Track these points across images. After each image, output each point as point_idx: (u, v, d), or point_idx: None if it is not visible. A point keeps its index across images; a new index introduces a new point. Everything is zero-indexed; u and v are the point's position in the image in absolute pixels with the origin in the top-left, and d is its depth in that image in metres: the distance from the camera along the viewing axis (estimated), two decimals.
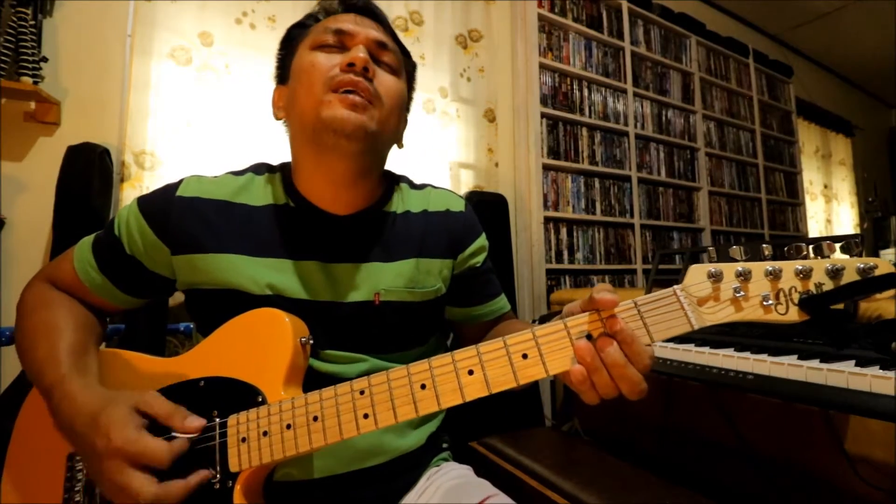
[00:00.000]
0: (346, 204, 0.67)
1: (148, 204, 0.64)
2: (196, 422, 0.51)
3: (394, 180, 0.75)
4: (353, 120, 0.58)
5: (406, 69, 0.71)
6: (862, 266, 0.40)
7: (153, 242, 0.63)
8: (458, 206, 0.77)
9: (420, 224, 0.71)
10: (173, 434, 0.50)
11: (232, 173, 0.69)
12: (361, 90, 0.59)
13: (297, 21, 0.72)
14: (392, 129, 0.66)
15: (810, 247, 0.43)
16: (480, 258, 0.77)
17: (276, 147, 1.67)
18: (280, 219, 0.65)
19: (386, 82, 0.64)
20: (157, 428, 0.50)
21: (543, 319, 1.77)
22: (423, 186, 0.78)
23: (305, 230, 0.65)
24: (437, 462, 0.73)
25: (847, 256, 0.43)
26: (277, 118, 0.70)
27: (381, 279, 0.65)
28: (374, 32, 0.65)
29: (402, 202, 0.72)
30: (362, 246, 0.66)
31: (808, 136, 4.13)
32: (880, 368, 0.67)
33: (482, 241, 0.77)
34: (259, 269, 0.61)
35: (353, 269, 0.65)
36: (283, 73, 0.70)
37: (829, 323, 0.41)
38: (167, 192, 0.64)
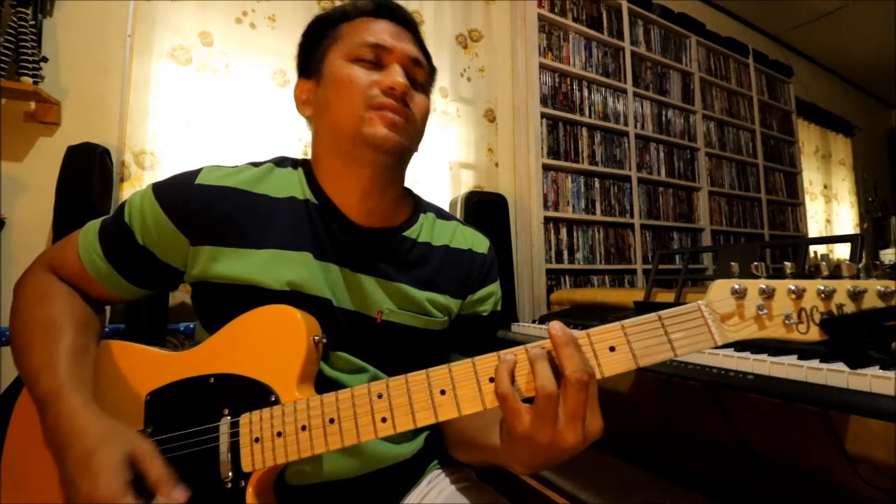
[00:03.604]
0: (368, 213, 0.66)
1: (165, 192, 0.61)
2: (181, 496, 0.48)
3: (422, 208, 0.74)
4: (393, 139, 0.61)
5: (430, 78, 0.71)
6: (882, 289, 0.40)
7: (170, 232, 0.60)
8: (482, 248, 0.75)
9: (438, 258, 0.70)
10: (155, 499, 0.47)
11: (251, 164, 0.68)
12: (399, 114, 0.62)
13: (326, 14, 0.69)
14: (419, 142, 0.69)
15: (829, 265, 0.43)
16: (488, 306, 0.74)
17: (278, 147, 1.68)
18: (302, 213, 0.64)
19: (419, 103, 0.65)
20: (143, 487, 0.48)
21: (543, 319, 1.77)
22: (450, 219, 0.76)
23: (325, 229, 0.64)
24: (437, 465, 0.73)
25: (845, 270, 0.43)
26: (303, 114, 0.69)
27: (386, 299, 0.64)
28: (410, 47, 0.66)
29: (426, 232, 0.71)
30: (376, 261, 0.65)
31: (807, 136, 4.13)
32: (880, 368, 0.67)
33: (494, 288, 0.75)
34: (280, 263, 0.60)
35: (362, 280, 0.64)
36: (307, 66, 0.69)
37: (849, 345, 0.41)
38: (186, 180, 0.62)
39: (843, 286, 0.41)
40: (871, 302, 0.41)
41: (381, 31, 0.64)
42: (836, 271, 0.43)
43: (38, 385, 0.53)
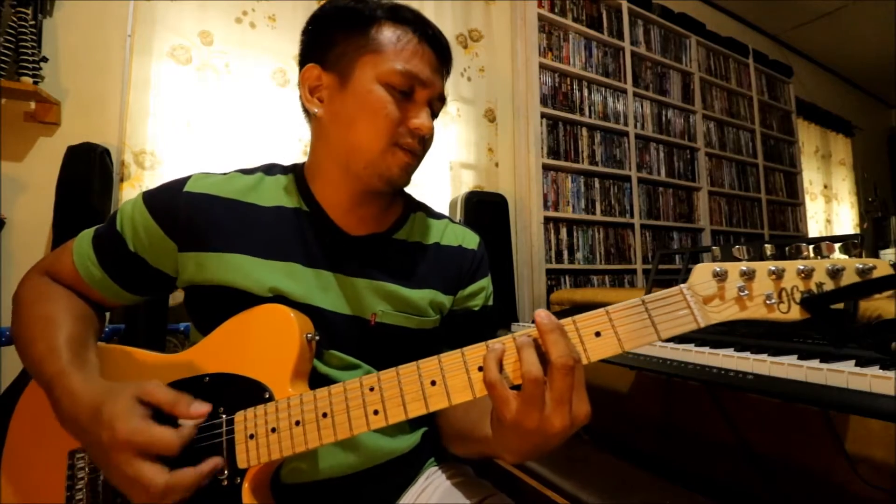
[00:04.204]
0: (359, 219, 0.67)
1: (154, 199, 0.63)
2: (202, 407, 0.50)
3: (412, 207, 0.74)
4: (404, 180, 0.64)
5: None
6: (861, 266, 0.41)
7: (160, 239, 0.62)
8: (472, 244, 0.75)
9: (429, 256, 0.70)
10: (179, 422, 0.49)
11: (241, 171, 0.68)
12: (417, 157, 0.64)
13: (361, 7, 0.62)
14: None
15: (811, 247, 0.44)
16: (479, 301, 0.75)
17: (277, 147, 1.68)
18: (291, 221, 0.64)
19: (432, 139, 0.67)
20: (162, 417, 0.49)
21: None
22: (440, 217, 0.77)
23: (315, 237, 0.64)
24: (434, 462, 0.73)
25: (846, 257, 0.43)
26: (309, 106, 0.65)
27: (380, 301, 0.65)
28: (440, 84, 0.65)
29: (416, 231, 0.72)
30: (368, 265, 0.66)
31: (808, 136, 4.13)
32: (880, 368, 0.66)
33: (485, 283, 0.75)
34: (264, 271, 0.60)
35: (355, 284, 0.64)
36: (326, 55, 0.63)
37: (829, 322, 0.42)
38: (174, 188, 0.63)
39: (822, 265, 0.42)
40: (850, 279, 0.42)
41: (422, 62, 0.62)
42: (816, 251, 0.44)
43: (43, 372, 0.54)
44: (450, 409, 0.61)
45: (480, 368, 0.46)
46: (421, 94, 0.62)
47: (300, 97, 0.66)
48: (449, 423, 0.66)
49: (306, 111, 0.68)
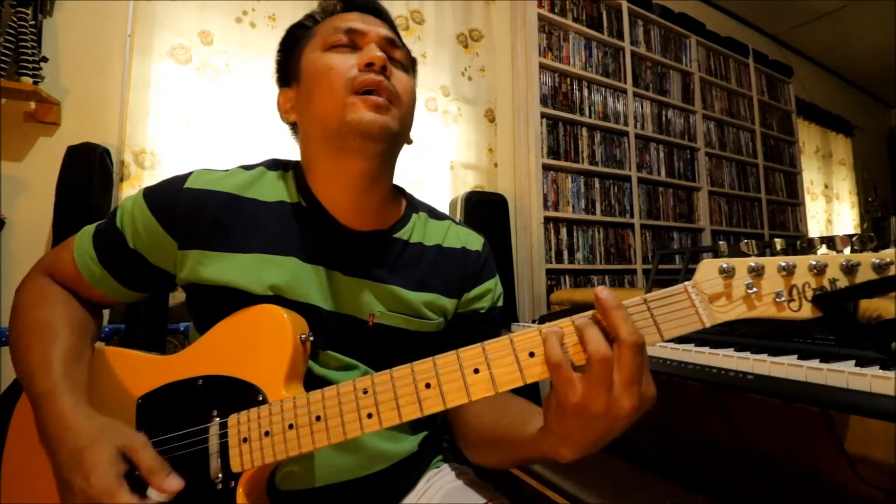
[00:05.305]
0: (358, 213, 0.65)
1: (155, 196, 0.62)
2: (175, 484, 0.48)
3: (414, 207, 0.73)
4: (380, 122, 0.59)
5: (410, 62, 0.71)
6: (878, 262, 0.38)
7: (159, 236, 0.61)
8: (476, 245, 0.74)
9: (430, 258, 0.69)
10: (148, 492, 0.48)
11: (242, 167, 0.68)
12: (383, 90, 0.60)
13: (297, 22, 0.71)
14: (408, 127, 0.67)
15: (822, 243, 0.42)
16: (486, 303, 0.73)
17: (277, 147, 1.68)
18: (291, 217, 0.64)
19: (402, 80, 0.64)
20: (137, 478, 0.48)
21: (543, 319, 1.78)
22: (443, 218, 0.75)
23: (314, 233, 0.64)
24: (436, 463, 0.73)
25: (847, 251, 0.41)
26: (287, 122, 0.70)
27: (378, 302, 0.64)
28: (384, 30, 0.66)
29: (418, 232, 0.70)
30: (367, 264, 0.65)
31: (808, 136, 4.13)
32: (880, 368, 0.66)
33: (491, 284, 0.74)
34: (262, 267, 0.60)
35: (353, 284, 0.63)
36: (286, 75, 0.70)
37: (843, 320, 0.39)
38: (175, 184, 0.63)
39: (835, 260, 0.39)
40: (865, 275, 0.39)
41: (353, 19, 0.65)
42: (829, 245, 0.41)
43: (33, 384, 0.54)
44: (475, 416, 0.61)
45: (476, 370, 0.45)
46: (364, 40, 0.64)
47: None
48: (475, 431, 0.63)
49: (292, 131, 0.72)
